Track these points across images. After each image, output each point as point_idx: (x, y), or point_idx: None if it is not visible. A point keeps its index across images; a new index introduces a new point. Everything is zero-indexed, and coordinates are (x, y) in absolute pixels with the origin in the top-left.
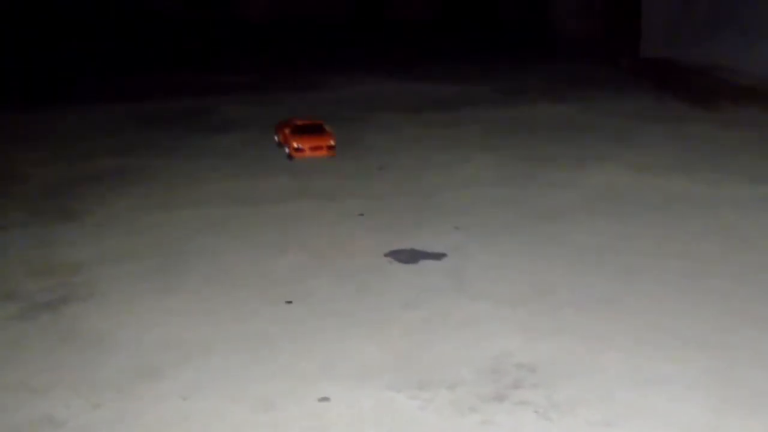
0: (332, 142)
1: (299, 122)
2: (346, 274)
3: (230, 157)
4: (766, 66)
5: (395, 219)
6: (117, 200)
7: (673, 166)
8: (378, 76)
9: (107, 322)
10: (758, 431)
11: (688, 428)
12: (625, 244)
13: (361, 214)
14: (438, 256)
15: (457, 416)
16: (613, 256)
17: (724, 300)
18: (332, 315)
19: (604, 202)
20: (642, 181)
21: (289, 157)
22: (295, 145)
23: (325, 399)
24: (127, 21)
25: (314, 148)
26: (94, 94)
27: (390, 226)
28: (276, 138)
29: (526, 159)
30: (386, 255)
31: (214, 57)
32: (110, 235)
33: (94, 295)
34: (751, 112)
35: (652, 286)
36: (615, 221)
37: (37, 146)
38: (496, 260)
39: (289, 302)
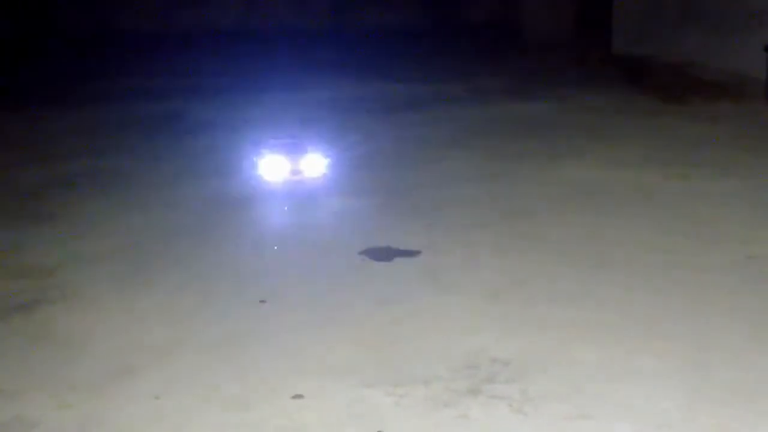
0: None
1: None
2: (319, 273)
3: (203, 158)
4: (737, 62)
5: (370, 215)
6: (89, 202)
7: (646, 160)
8: (348, 78)
9: (79, 324)
10: (732, 422)
11: (663, 420)
12: (599, 239)
13: (336, 213)
14: (412, 254)
15: (432, 411)
16: (586, 251)
17: (697, 292)
18: (305, 313)
19: (577, 198)
20: (615, 175)
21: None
22: (272, 168)
23: (298, 396)
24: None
25: (295, 173)
26: (62, 97)
27: (364, 222)
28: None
29: (499, 156)
30: (360, 253)
31: (191, 61)
32: (83, 238)
33: (66, 298)
34: (722, 107)
35: (626, 279)
36: (588, 216)
37: (7, 149)
38: (470, 256)
39: (263, 301)
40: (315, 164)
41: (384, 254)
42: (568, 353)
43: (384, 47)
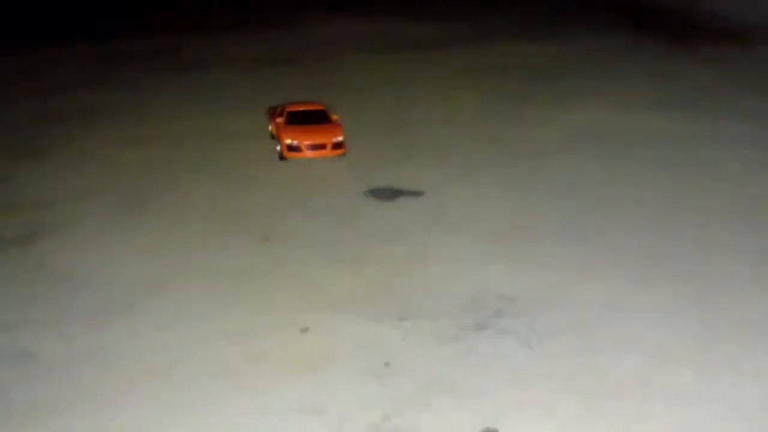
0: (340, 137)
1: (294, 106)
2: (324, 211)
3: (200, 94)
4: (744, 6)
5: (375, 156)
6: (85, 138)
7: (654, 103)
8: (352, 16)
9: (77, 258)
10: (739, 355)
11: (668, 355)
12: (605, 180)
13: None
14: (418, 194)
15: (440, 345)
16: (592, 192)
17: (701, 231)
18: (310, 250)
19: (585, 140)
20: (622, 118)
21: (281, 156)
22: (288, 141)
23: (304, 330)
24: None
25: (315, 147)
26: (62, 33)
27: (370, 163)
28: (269, 127)
29: (505, 98)
30: (365, 193)
31: None
32: (77, 173)
33: (63, 231)
34: (728, 51)
35: (632, 220)
36: (595, 158)
37: (4, 83)
38: (476, 197)
39: (266, 238)
40: (335, 136)
41: (389, 194)
42: (575, 290)
43: None
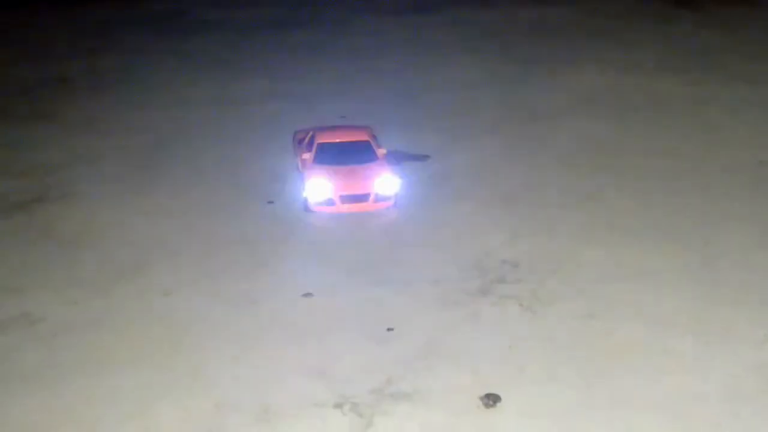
0: (385, 180)
1: (328, 137)
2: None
3: (204, 58)
4: None
5: (379, 120)
6: (89, 102)
7: (659, 66)
8: None
9: (82, 222)
10: (740, 320)
11: (670, 319)
12: (611, 144)
13: (343, 116)
14: (422, 158)
15: (443, 310)
16: (597, 156)
17: (706, 196)
18: (314, 215)
19: (590, 103)
20: (628, 81)
21: (307, 207)
22: (315, 189)
23: (308, 294)
24: None
25: (352, 198)
26: None
27: (375, 127)
28: (296, 159)
29: (510, 60)
30: None
31: None
32: (83, 137)
33: (68, 196)
34: (736, 12)
35: (636, 184)
36: (601, 122)
37: (6, 47)
38: (480, 161)
39: (271, 202)
40: (382, 184)
41: (393, 158)
42: (578, 255)
43: None
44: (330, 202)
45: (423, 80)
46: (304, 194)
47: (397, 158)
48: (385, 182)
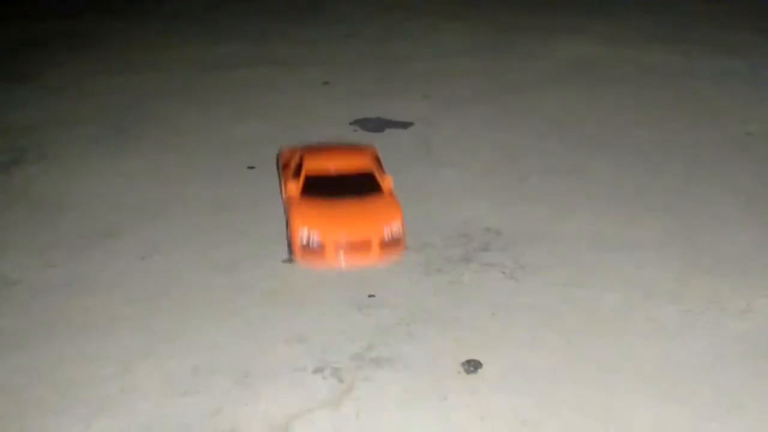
0: (396, 226)
1: (319, 165)
2: (310, 141)
3: (186, 21)
4: None
5: (362, 88)
6: (68, 63)
7: (646, 37)
8: None
9: (60, 184)
10: (723, 290)
11: (652, 289)
12: (595, 115)
13: (326, 83)
14: (405, 125)
15: (426, 277)
16: (581, 127)
17: (691, 168)
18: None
19: (575, 74)
20: (614, 52)
21: (291, 257)
22: (303, 234)
23: (288, 260)
24: None
25: (352, 247)
26: None
27: (357, 94)
28: (279, 179)
29: (495, 29)
30: (352, 123)
31: None
32: (61, 98)
33: (45, 158)
34: None
35: (620, 154)
36: (586, 93)
37: None
38: (464, 130)
39: (252, 167)
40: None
41: (376, 125)
42: (560, 224)
43: None
44: (320, 249)
45: (407, 47)
46: (287, 239)
47: (379, 125)
48: (394, 224)
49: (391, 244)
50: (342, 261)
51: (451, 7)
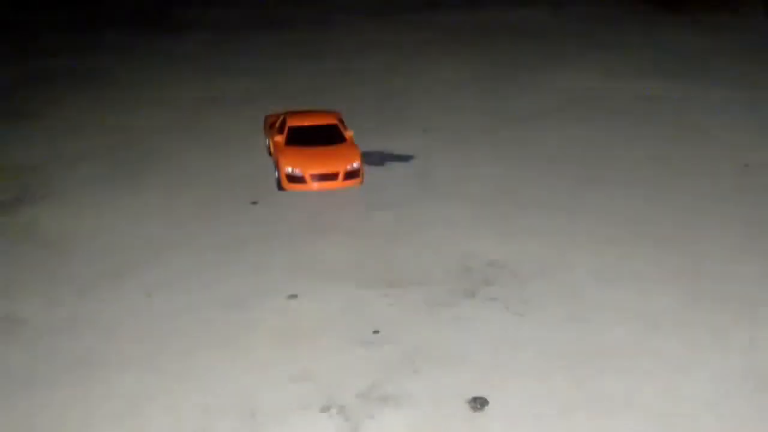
0: (355, 163)
1: (298, 119)
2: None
3: (190, 59)
4: None
5: (362, 122)
6: (71, 101)
7: (643, 70)
8: None
9: (65, 222)
10: (726, 324)
11: (656, 322)
12: (595, 147)
13: None
14: (406, 158)
15: (429, 312)
16: (581, 159)
17: (692, 199)
18: (299, 216)
19: (574, 106)
20: (613, 85)
21: (280, 186)
22: (288, 170)
23: (293, 297)
24: None
25: (322, 177)
26: None
27: (357, 129)
28: (266, 142)
29: (494, 63)
30: None
31: None
32: (67, 136)
33: (50, 196)
34: (720, 17)
35: (621, 187)
36: (585, 125)
37: None
38: (464, 163)
39: (255, 203)
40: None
41: (377, 159)
42: (563, 258)
43: None
44: (301, 180)
45: (406, 81)
46: (276, 174)
47: (381, 158)
48: (353, 161)
49: (352, 174)
50: (316, 186)
51: (450, 42)
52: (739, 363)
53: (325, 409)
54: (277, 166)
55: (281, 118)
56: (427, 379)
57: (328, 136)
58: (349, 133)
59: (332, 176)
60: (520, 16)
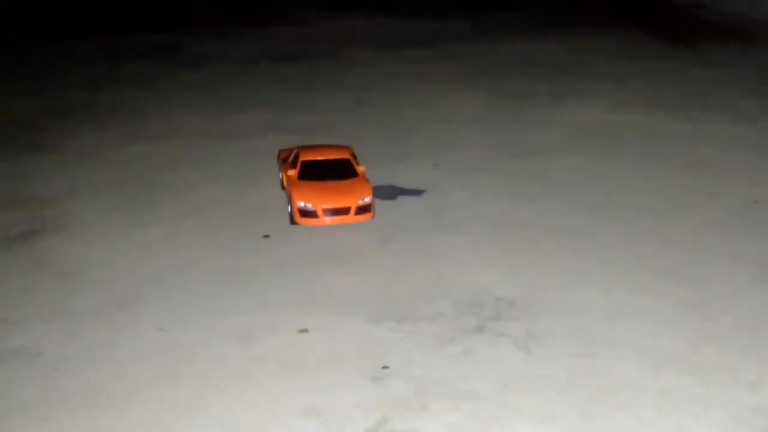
0: (367, 198)
1: (310, 154)
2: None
3: (201, 91)
4: (746, 5)
5: (373, 154)
6: (88, 133)
7: (652, 103)
8: (354, 12)
9: (81, 254)
10: (733, 361)
11: (664, 359)
12: (603, 181)
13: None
14: (417, 192)
15: (438, 347)
16: (590, 193)
17: (699, 235)
18: (310, 249)
19: (583, 139)
20: (622, 118)
21: (292, 220)
22: (301, 204)
23: (304, 331)
24: None
25: (335, 212)
26: (61, 30)
27: (368, 161)
28: (280, 175)
29: (503, 96)
30: None
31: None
32: (81, 168)
33: (66, 227)
34: (730, 51)
35: (629, 222)
36: (593, 158)
37: (5, 78)
38: (475, 196)
39: (267, 236)
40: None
41: (388, 192)
42: (571, 292)
43: None
44: (314, 215)
45: (418, 114)
46: (289, 209)
47: (392, 192)
48: (365, 196)
49: (364, 208)
50: (328, 221)
51: (460, 75)
52: (746, 401)
53: None
54: (290, 200)
55: (294, 152)
56: (436, 415)
57: (340, 171)
58: (361, 168)
59: (344, 211)
60: (531, 49)
